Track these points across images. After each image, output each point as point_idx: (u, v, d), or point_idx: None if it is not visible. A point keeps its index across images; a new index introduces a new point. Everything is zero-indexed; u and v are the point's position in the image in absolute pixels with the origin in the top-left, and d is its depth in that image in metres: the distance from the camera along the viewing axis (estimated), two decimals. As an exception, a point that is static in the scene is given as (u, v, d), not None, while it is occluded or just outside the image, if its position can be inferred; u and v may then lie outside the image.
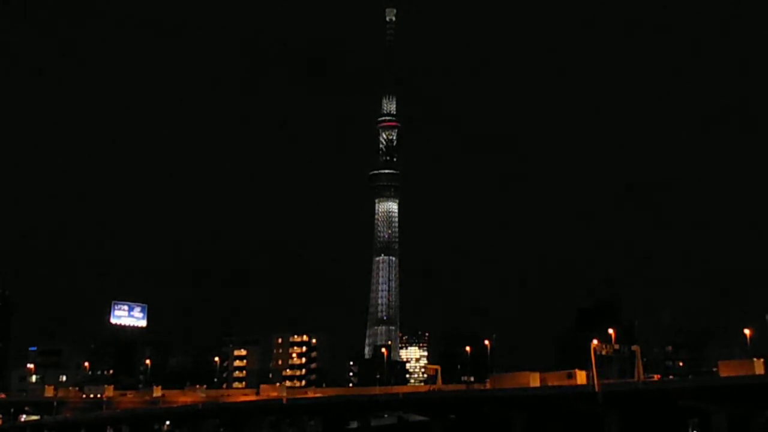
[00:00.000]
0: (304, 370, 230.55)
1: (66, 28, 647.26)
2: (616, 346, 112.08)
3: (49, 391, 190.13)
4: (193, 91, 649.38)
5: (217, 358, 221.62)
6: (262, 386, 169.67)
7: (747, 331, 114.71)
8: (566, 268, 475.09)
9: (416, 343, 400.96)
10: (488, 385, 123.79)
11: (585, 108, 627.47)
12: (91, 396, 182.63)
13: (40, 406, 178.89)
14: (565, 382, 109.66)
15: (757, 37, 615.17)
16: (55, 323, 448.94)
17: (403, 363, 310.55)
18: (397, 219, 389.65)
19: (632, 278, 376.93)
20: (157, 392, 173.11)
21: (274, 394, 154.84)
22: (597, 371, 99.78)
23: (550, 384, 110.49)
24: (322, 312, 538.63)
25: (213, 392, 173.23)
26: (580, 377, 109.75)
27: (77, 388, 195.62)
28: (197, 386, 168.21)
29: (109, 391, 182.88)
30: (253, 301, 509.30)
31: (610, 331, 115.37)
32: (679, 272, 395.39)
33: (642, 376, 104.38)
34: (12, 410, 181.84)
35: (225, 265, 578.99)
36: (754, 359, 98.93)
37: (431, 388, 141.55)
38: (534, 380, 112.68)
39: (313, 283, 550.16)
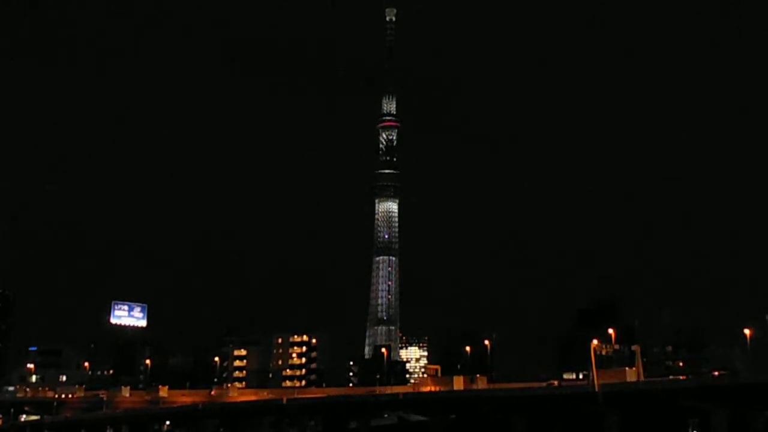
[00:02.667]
0: (304, 370, 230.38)
1: (65, 28, 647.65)
2: (616, 346, 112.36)
3: (21, 392, 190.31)
4: (193, 91, 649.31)
5: (217, 358, 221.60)
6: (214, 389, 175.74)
7: (747, 331, 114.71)
8: (567, 268, 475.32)
9: (416, 343, 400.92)
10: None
11: (587, 108, 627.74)
12: (62, 396, 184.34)
13: (40, 406, 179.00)
14: (470, 386, 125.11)
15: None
16: (55, 323, 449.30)
17: (403, 363, 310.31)
18: (397, 219, 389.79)
19: (632, 278, 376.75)
20: (126, 392, 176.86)
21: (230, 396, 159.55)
22: (597, 371, 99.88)
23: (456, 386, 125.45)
24: (322, 312, 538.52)
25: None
26: (482, 381, 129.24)
27: (46, 388, 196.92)
28: (159, 387, 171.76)
29: (81, 391, 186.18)
30: (254, 301, 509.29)
31: (610, 331, 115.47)
32: (679, 272, 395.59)
33: (642, 376, 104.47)
34: (12, 410, 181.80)
35: (225, 264, 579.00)
36: (626, 368, 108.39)
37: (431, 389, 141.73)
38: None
39: (313, 283, 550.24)
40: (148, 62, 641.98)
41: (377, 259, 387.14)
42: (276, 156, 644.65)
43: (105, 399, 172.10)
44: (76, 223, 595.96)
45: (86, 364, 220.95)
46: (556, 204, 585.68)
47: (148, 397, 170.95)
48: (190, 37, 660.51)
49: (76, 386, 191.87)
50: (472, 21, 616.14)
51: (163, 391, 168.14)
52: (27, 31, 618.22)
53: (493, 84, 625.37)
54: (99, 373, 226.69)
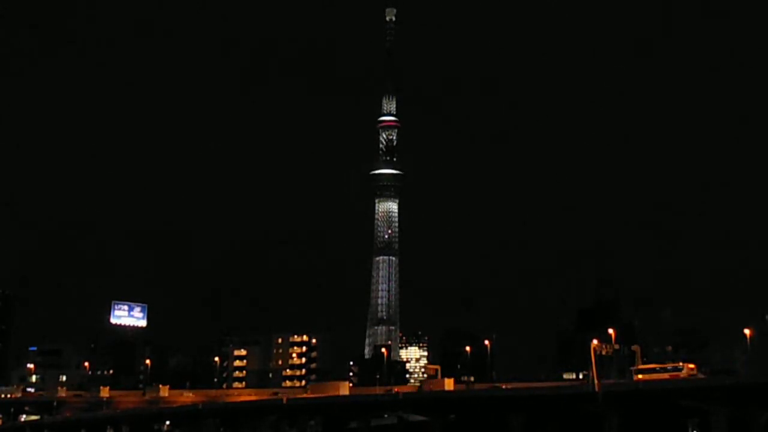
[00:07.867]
0: (304, 370, 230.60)
1: (62, 27, 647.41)
2: (616, 346, 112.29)
3: (18, 391, 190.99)
4: (193, 92, 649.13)
5: (217, 358, 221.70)
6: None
7: (747, 331, 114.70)
8: (567, 268, 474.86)
9: (416, 343, 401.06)
10: (308, 393, 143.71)
11: (589, 106, 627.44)
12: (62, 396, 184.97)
13: (40, 406, 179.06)
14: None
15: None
16: (55, 323, 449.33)
17: (403, 363, 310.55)
18: (397, 219, 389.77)
19: (632, 278, 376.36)
20: (105, 392, 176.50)
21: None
22: (597, 371, 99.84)
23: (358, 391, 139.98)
24: (322, 312, 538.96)
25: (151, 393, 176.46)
26: (344, 387, 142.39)
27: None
28: (160, 386, 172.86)
29: (19, 392, 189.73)
30: (253, 301, 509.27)
31: (610, 331, 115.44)
32: (680, 272, 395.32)
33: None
34: (12, 410, 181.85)
35: (225, 264, 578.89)
36: (445, 379, 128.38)
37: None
38: (343, 389, 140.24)
39: (312, 282, 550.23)
40: (147, 62, 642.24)
41: (377, 259, 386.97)
42: (276, 156, 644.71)
43: (105, 399, 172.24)
44: (76, 222, 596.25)
45: (86, 364, 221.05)
46: (556, 203, 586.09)
47: (147, 398, 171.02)
48: (188, 37, 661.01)
49: (16, 386, 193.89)
50: (472, 20, 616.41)
51: (164, 391, 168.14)
52: (26, 31, 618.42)
53: (494, 83, 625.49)
54: (99, 373, 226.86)
